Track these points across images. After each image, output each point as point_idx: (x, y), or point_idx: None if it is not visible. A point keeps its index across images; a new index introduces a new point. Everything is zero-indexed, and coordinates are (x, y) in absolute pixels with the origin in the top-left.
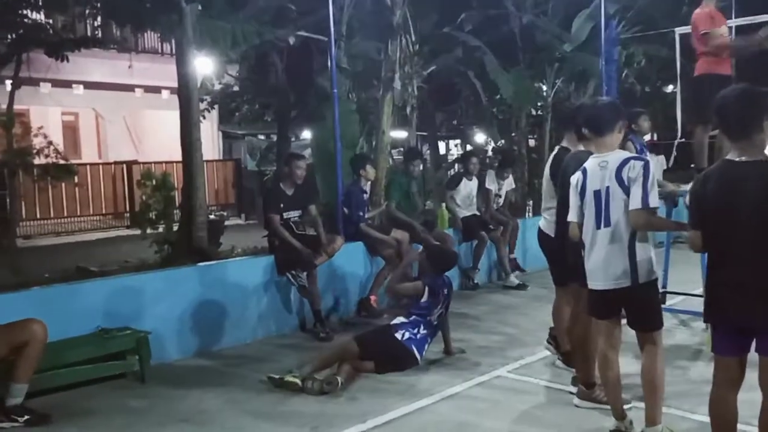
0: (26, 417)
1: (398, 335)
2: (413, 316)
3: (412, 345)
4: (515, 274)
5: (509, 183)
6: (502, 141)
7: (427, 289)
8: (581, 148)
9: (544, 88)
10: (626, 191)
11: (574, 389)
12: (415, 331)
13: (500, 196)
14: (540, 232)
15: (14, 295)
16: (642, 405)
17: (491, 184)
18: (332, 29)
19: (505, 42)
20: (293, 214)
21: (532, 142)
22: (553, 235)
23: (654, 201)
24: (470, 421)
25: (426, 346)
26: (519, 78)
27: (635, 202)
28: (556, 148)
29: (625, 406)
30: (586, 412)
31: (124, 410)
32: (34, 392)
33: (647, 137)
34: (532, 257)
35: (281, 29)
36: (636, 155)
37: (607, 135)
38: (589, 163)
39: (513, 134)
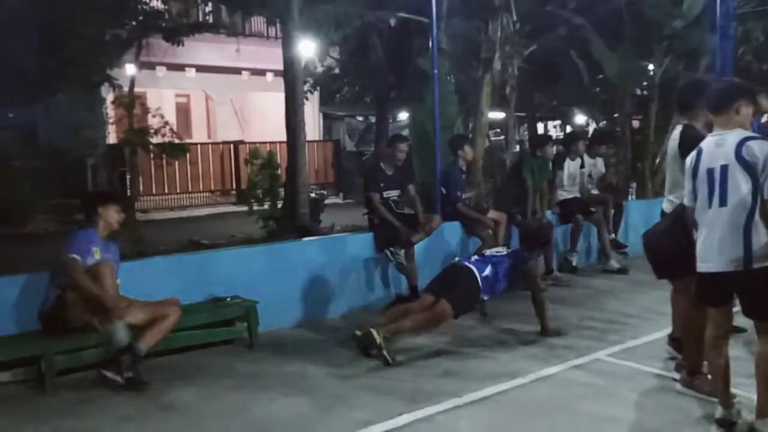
0: (129, 376)
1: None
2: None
3: (473, 266)
4: (618, 258)
5: (600, 162)
6: (604, 122)
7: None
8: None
9: (651, 67)
10: (748, 170)
11: (677, 375)
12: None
13: (591, 176)
14: (664, 215)
15: (137, 262)
16: (753, 396)
17: (584, 165)
18: (434, 9)
19: (611, 19)
20: (393, 194)
21: (636, 123)
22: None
23: None
24: (568, 403)
25: (488, 268)
26: (625, 57)
27: None
28: (680, 126)
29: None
30: (689, 399)
31: (234, 373)
32: (156, 352)
33: (764, 118)
34: (635, 241)
35: (382, 11)
36: (758, 135)
37: (723, 114)
38: (706, 142)
39: (615, 115)
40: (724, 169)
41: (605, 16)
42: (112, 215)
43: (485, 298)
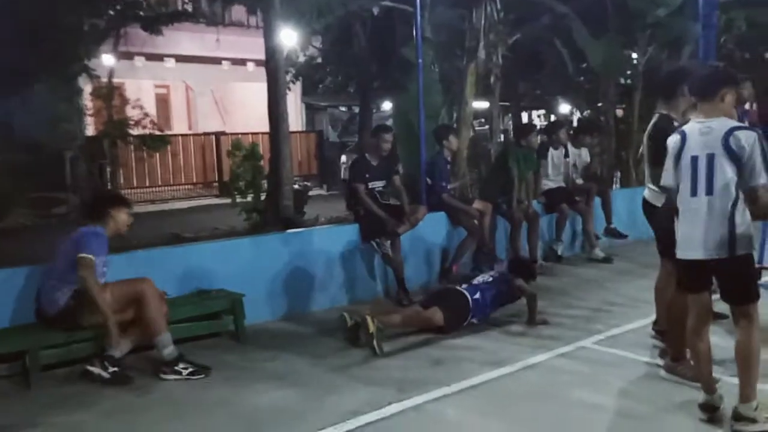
0: (189, 369)
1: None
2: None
3: (464, 290)
4: (601, 247)
5: (585, 152)
6: (588, 111)
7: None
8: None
9: (635, 55)
10: (735, 160)
11: (661, 362)
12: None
13: (575, 166)
14: (645, 202)
15: (119, 256)
16: (735, 381)
17: (569, 155)
18: None
19: (595, 8)
20: (378, 184)
21: (619, 112)
22: (659, 206)
23: None
24: (555, 391)
25: (477, 294)
26: (608, 46)
27: (759, 177)
28: (656, 115)
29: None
30: (673, 385)
31: (223, 366)
32: (140, 347)
33: (747, 106)
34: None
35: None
36: (744, 125)
37: (708, 101)
38: (689, 127)
39: (599, 104)
40: (711, 158)
41: (589, 4)
42: (122, 218)
43: (474, 321)
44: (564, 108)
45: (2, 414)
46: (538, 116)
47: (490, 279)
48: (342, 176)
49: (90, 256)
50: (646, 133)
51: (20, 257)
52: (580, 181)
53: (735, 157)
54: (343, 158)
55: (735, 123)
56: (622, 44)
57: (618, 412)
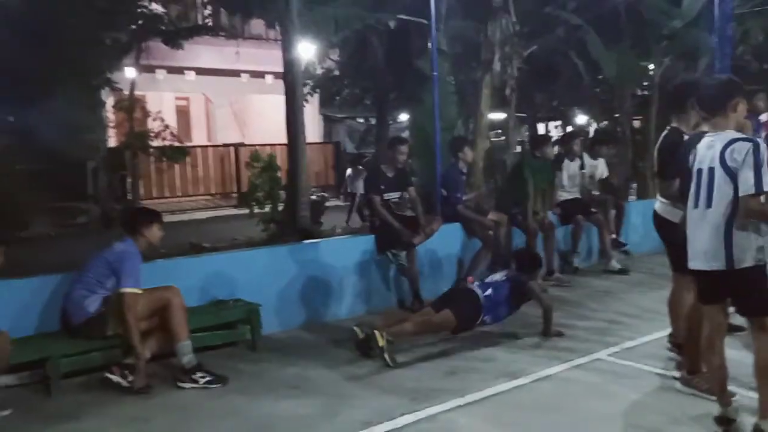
0: (207, 378)
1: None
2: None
3: (477, 289)
4: (619, 259)
5: (602, 165)
6: (605, 122)
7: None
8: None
9: (651, 66)
10: (730, 174)
11: (677, 374)
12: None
13: (593, 177)
14: (656, 216)
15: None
16: (754, 395)
17: (586, 167)
18: (433, 10)
19: (610, 20)
20: (393, 196)
21: (636, 123)
22: (671, 219)
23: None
24: (567, 402)
25: (488, 290)
26: (623, 57)
27: (746, 187)
28: (667, 129)
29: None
30: (688, 397)
31: (239, 375)
32: (160, 354)
33: (764, 117)
34: (635, 241)
35: (381, 13)
36: (744, 136)
37: (719, 114)
38: (701, 143)
39: (616, 115)
40: (711, 171)
41: (604, 16)
42: (156, 234)
43: (487, 320)
44: (581, 119)
45: (24, 421)
46: (555, 127)
47: (504, 278)
48: (348, 189)
49: (134, 290)
50: (657, 146)
51: (43, 266)
52: (596, 193)
53: (730, 170)
54: (348, 171)
55: (736, 135)
56: (637, 55)
57: (631, 424)
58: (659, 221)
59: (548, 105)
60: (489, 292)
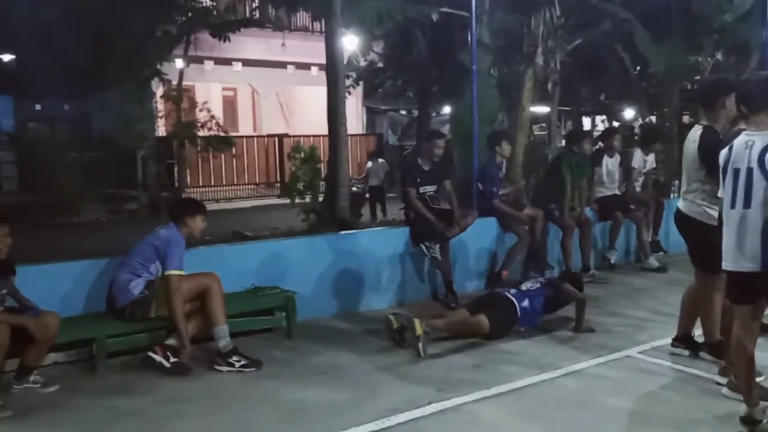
0: (242, 362)
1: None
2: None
3: (513, 297)
4: (657, 256)
5: (651, 161)
6: (652, 117)
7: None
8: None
9: (701, 60)
10: (767, 177)
11: (722, 380)
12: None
13: (642, 175)
14: (681, 214)
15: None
16: None
17: (637, 163)
18: (474, 4)
19: (658, 13)
20: (429, 189)
21: (685, 119)
22: (700, 219)
23: None
24: (593, 398)
25: (525, 301)
26: (672, 51)
27: None
28: (701, 128)
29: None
30: (719, 398)
31: (272, 360)
32: (198, 338)
33: None
34: (675, 239)
35: (424, 5)
36: None
37: (760, 113)
38: (737, 140)
39: (665, 109)
40: (750, 172)
41: (652, 9)
42: (198, 224)
43: (522, 329)
44: (628, 113)
45: (70, 396)
46: (602, 122)
47: (538, 285)
48: (368, 183)
49: (178, 272)
50: (690, 144)
51: (94, 250)
52: (639, 189)
53: (766, 173)
54: (369, 164)
55: None
56: (687, 49)
57: (655, 421)
58: (686, 220)
59: (594, 99)
60: (525, 303)
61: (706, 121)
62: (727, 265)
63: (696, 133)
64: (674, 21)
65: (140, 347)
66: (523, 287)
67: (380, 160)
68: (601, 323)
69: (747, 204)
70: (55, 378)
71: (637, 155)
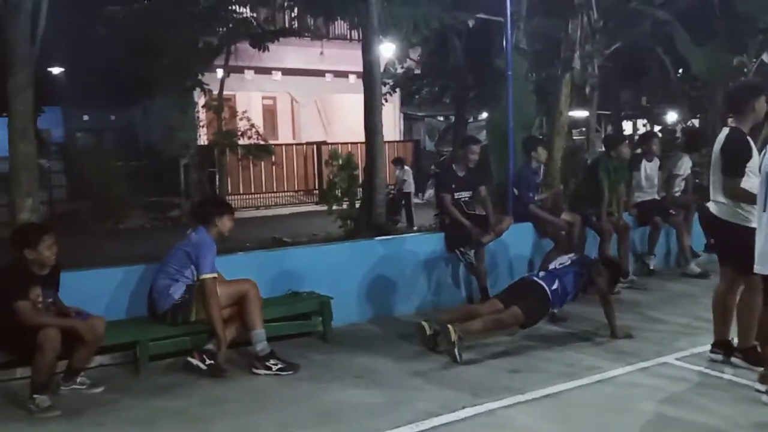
0: (279, 365)
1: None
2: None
3: (542, 281)
4: (696, 262)
5: (688, 164)
6: (694, 121)
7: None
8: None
9: (744, 61)
10: None
11: (762, 387)
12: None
13: (684, 179)
14: (711, 216)
15: (222, 258)
16: None
17: (684, 169)
18: (508, 10)
19: (700, 13)
20: (464, 195)
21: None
22: (731, 220)
23: None
24: (628, 404)
25: (555, 284)
26: (714, 52)
27: None
28: (727, 129)
29: None
30: (757, 405)
31: (309, 364)
32: (237, 342)
33: None
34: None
35: (460, 12)
36: None
37: None
38: None
39: (708, 112)
40: None
41: (693, 10)
42: (226, 224)
43: (555, 311)
44: (670, 117)
45: (117, 397)
46: (644, 125)
47: (568, 262)
48: (395, 189)
49: (212, 275)
50: (720, 145)
51: (138, 256)
52: (678, 194)
53: None
54: (397, 171)
55: None
56: (731, 51)
57: (692, 428)
58: (717, 222)
59: (635, 102)
60: (556, 285)
61: (734, 123)
62: (758, 268)
63: (723, 134)
64: (717, 21)
65: (182, 350)
66: (551, 266)
67: (405, 167)
68: (639, 329)
69: None
70: (101, 379)
71: (685, 161)
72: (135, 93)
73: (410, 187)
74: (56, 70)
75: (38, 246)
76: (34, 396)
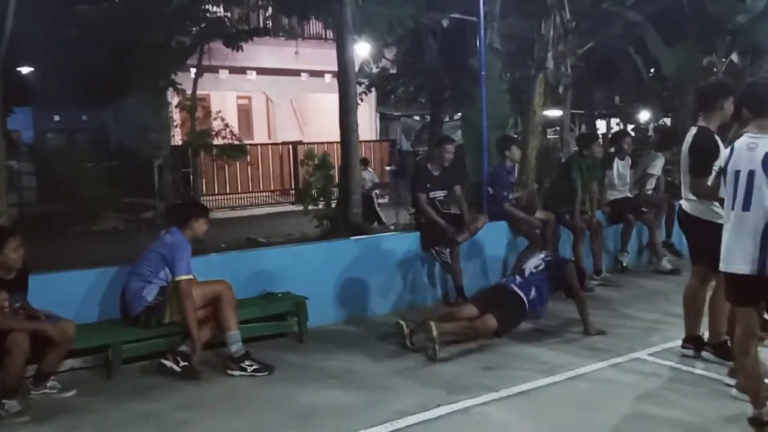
0: (254, 367)
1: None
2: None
3: (520, 290)
4: (668, 259)
5: (661, 163)
6: (666, 120)
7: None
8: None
9: (714, 62)
10: None
11: (731, 381)
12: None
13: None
14: (684, 213)
15: (196, 259)
16: None
17: (654, 167)
18: (482, 10)
19: (671, 15)
20: (439, 194)
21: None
22: (702, 217)
23: None
24: (602, 400)
25: (532, 293)
26: (685, 53)
27: None
28: (696, 128)
29: None
30: (727, 399)
31: (285, 365)
32: (212, 343)
33: None
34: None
35: (435, 12)
36: None
37: (765, 116)
38: (739, 142)
39: (679, 111)
40: (751, 175)
41: (664, 11)
42: (202, 227)
43: (529, 318)
44: (642, 116)
45: (88, 401)
46: (617, 124)
47: (543, 266)
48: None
49: (187, 277)
50: (688, 145)
51: (112, 258)
52: (650, 192)
53: None
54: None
55: None
56: (700, 51)
57: (664, 423)
58: (690, 220)
59: (608, 102)
60: (533, 294)
61: (702, 122)
62: (722, 266)
63: (690, 134)
64: (687, 23)
65: (156, 352)
66: (527, 273)
67: (369, 169)
68: (612, 325)
69: (746, 206)
70: (72, 383)
71: (659, 160)
72: (107, 93)
73: (371, 185)
74: (26, 70)
75: (3, 249)
76: (3, 401)
